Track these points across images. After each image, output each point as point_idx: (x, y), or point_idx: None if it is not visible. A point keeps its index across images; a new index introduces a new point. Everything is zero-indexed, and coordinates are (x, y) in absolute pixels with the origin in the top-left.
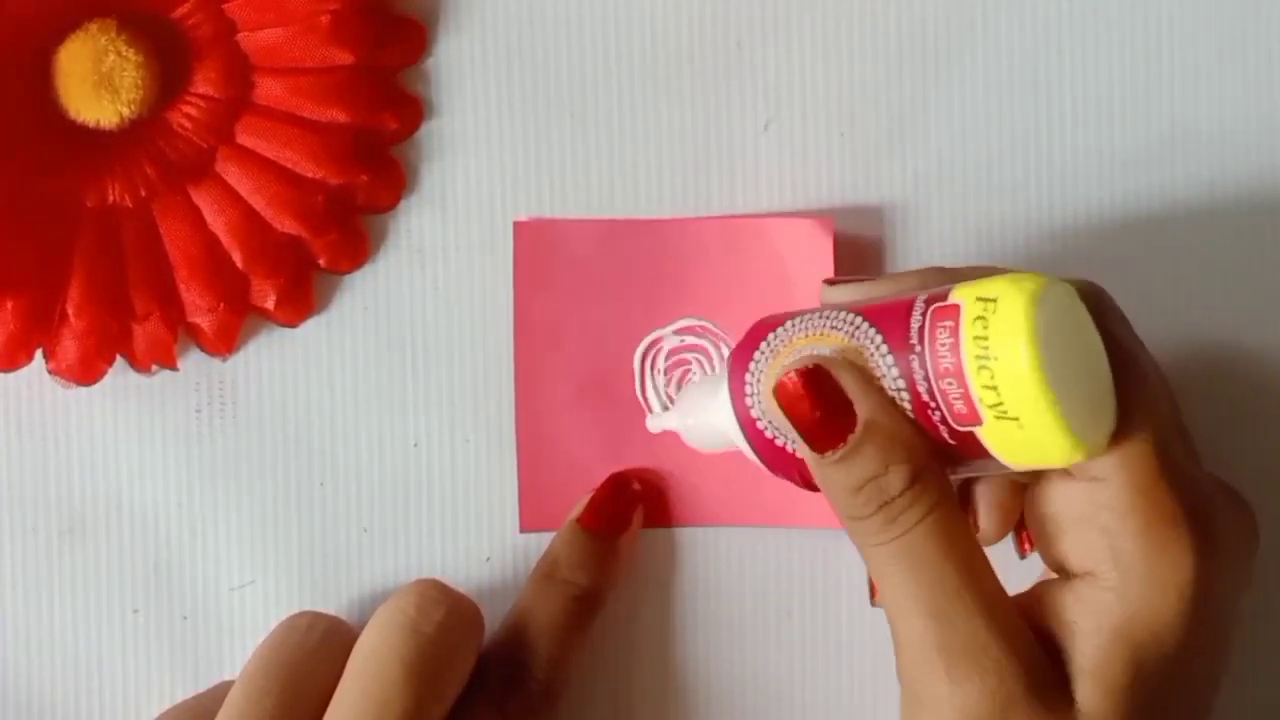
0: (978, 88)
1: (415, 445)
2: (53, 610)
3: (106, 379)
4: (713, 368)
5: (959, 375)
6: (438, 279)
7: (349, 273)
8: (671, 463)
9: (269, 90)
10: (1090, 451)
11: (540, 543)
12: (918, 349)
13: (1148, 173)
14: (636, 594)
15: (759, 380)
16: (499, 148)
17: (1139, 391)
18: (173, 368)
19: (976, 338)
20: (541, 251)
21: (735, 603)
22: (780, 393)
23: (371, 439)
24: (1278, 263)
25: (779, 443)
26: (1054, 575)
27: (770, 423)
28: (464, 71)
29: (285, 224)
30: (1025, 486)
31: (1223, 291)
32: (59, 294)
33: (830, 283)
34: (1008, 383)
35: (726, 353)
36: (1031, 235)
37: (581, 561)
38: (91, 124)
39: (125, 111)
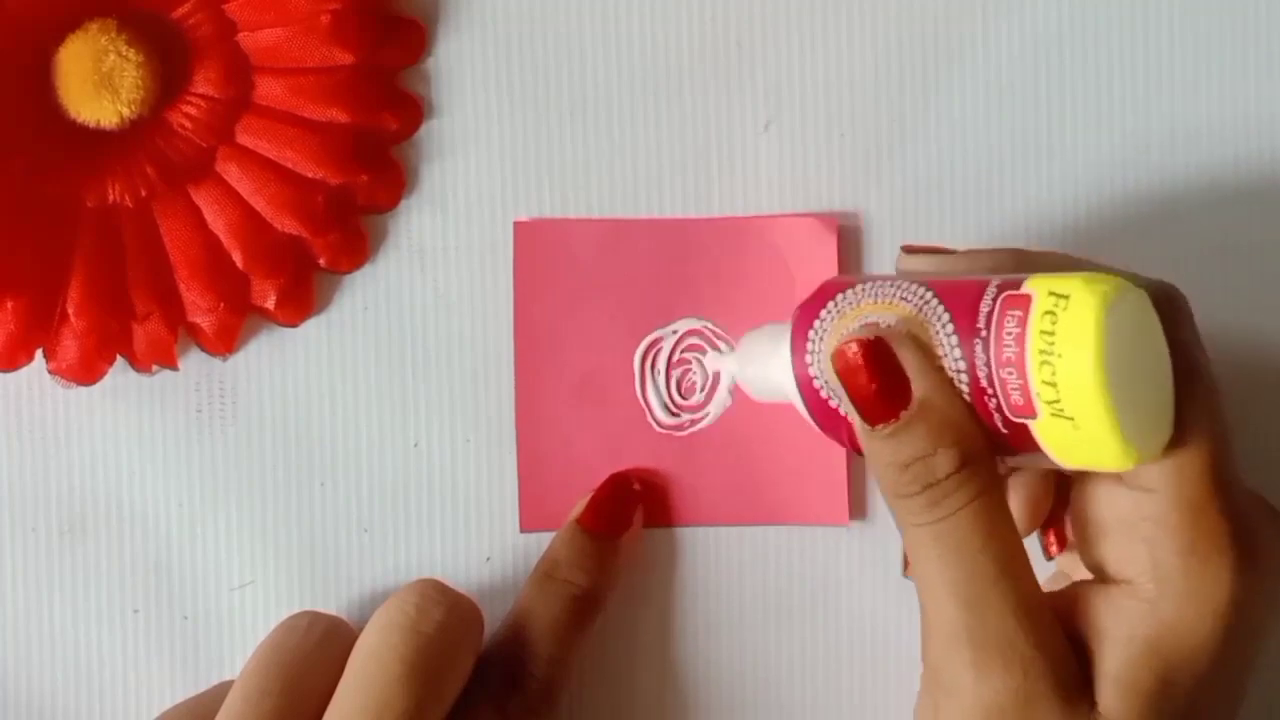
0: (978, 88)
1: (415, 445)
2: (53, 610)
3: (106, 379)
4: (713, 368)
5: (1020, 366)
6: (438, 279)
7: (349, 273)
8: (671, 463)
9: (269, 90)
10: (1143, 460)
11: (540, 543)
12: (983, 334)
13: (1148, 172)
14: (636, 594)
15: (821, 340)
16: (499, 148)
17: (1200, 404)
18: (173, 368)
19: (1043, 332)
20: (541, 251)
21: (735, 603)
22: (838, 360)
23: (371, 439)
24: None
25: (833, 404)
26: (1088, 577)
27: (826, 383)
28: (464, 71)
29: (285, 224)
30: (1063, 483)
31: (1224, 290)
32: (59, 294)
33: (909, 249)
34: (1067, 382)
35: (727, 353)
36: (1032, 235)
37: (581, 562)
38: (91, 124)
39: (125, 111)
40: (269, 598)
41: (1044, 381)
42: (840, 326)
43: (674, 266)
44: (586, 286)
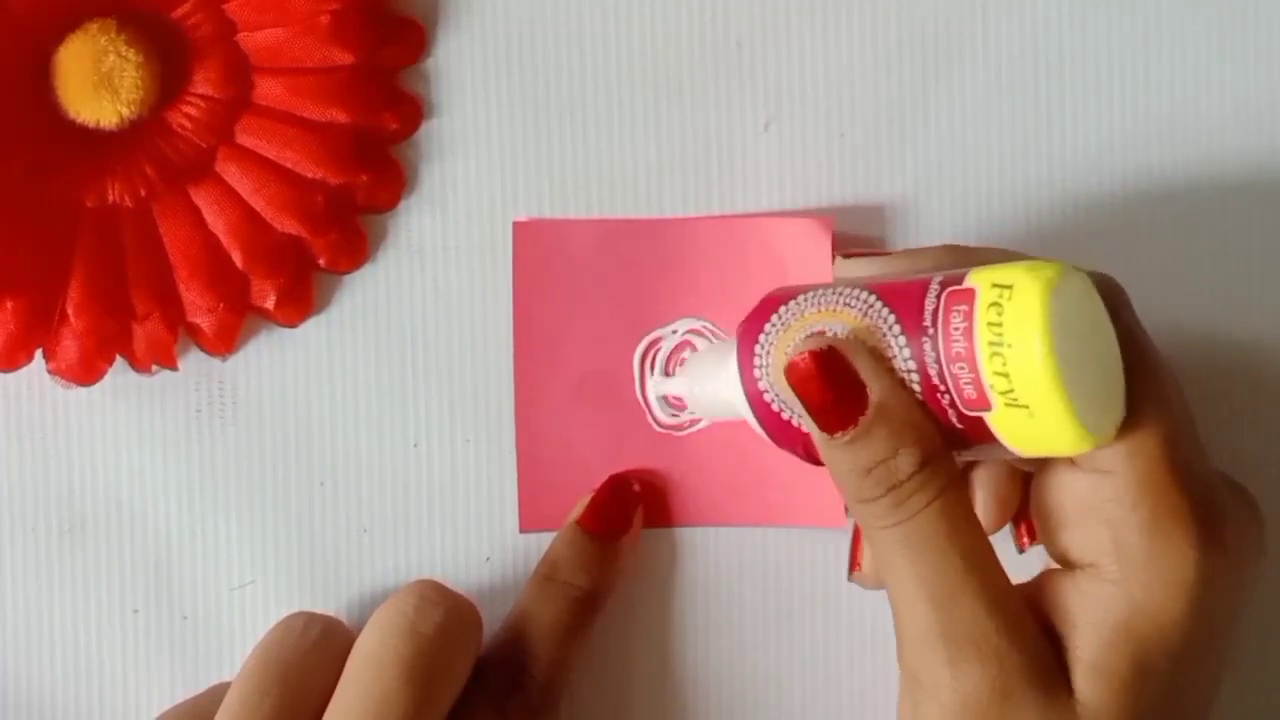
0: (978, 87)
1: (415, 445)
2: (53, 610)
3: (106, 379)
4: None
5: (971, 360)
6: (438, 279)
7: (349, 273)
8: (671, 463)
9: (269, 90)
10: (1098, 442)
11: (540, 543)
12: (930, 331)
13: (1148, 171)
14: (636, 594)
15: (768, 354)
16: (499, 148)
17: (1150, 385)
18: (173, 368)
19: (990, 324)
20: (541, 251)
21: (735, 603)
22: (791, 373)
23: (371, 439)
24: (1275, 255)
25: (785, 416)
26: (1056, 566)
27: (777, 396)
28: (464, 71)
29: (285, 224)
30: (1026, 476)
31: (1225, 288)
32: (59, 294)
33: (846, 255)
34: (1019, 371)
35: None
36: (1032, 234)
37: (581, 563)
38: (91, 124)
39: (125, 111)
40: (269, 598)
41: (995, 373)
42: (786, 339)
43: (674, 266)
44: (586, 286)
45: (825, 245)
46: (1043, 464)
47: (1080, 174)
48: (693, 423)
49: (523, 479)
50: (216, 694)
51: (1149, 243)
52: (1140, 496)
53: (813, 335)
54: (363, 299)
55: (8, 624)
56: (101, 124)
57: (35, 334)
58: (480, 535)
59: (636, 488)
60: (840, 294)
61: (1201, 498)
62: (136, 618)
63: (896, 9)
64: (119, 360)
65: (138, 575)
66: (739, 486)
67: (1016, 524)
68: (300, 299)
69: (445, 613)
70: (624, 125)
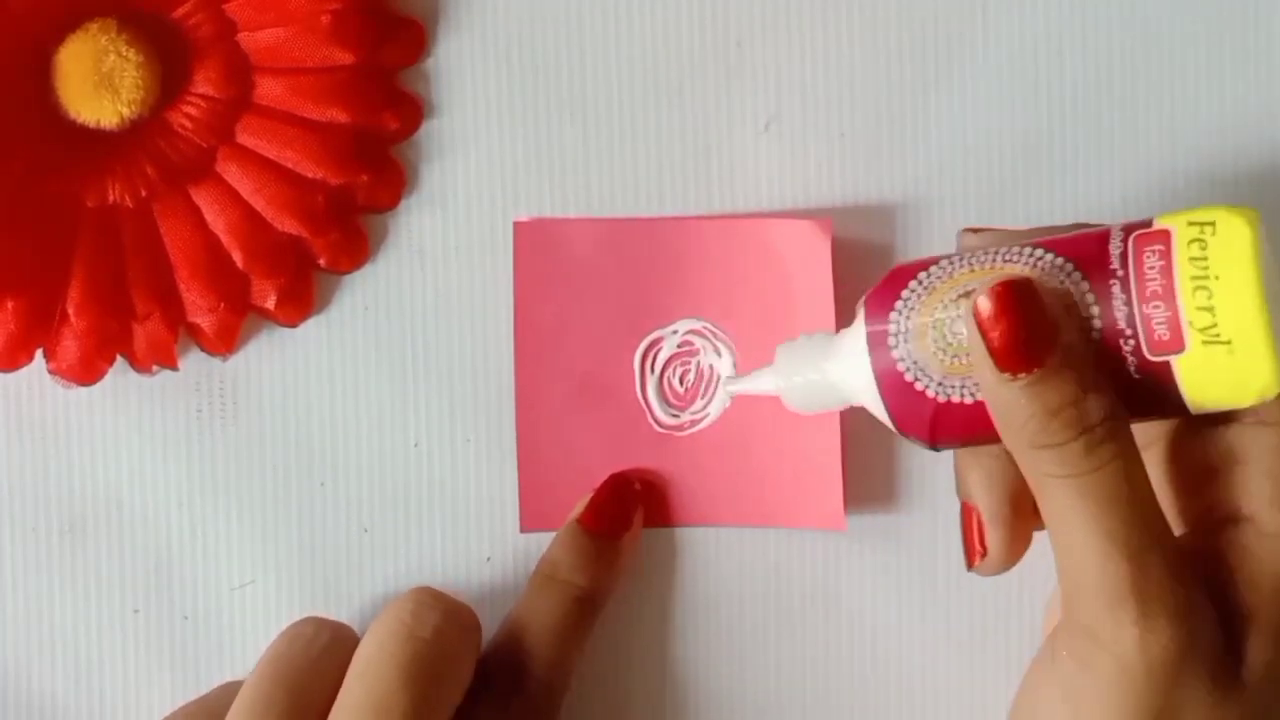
0: (978, 88)
1: (415, 445)
2: (53, 610)
3: (106, 379)
4: (712, 368)
5: (1170, 298)
6: (438, 279)
7: (349, 273)
8: (672, 463)
9: (269, 90)
10: None
11: (540, 543)
12: (1119, 273)
13: (1148, 171)
14: (637, 594)
15: (907, 320)
16: (499, 148)
17: None
18: (173, 368)
19: (1193, 259)
20: (541, 251)
21: (735, 603)
22: (977, 313)
23: (371, 439)
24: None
25: (919, 386)
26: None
27: (914, 364)
28: (464, 71)
29: (285, 224)
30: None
31: None
32: (59, 294)
33: (972, 230)
34: (1227, 303)
35: (726, 353)
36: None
37: (582, 563)
38: (92, 124)
39: (125, 111)
40: (269, 598)
41: (1199, 307)
42: (932, 302)
43: (674, 266)
44: (586, 286)
45: (824, 246)
46: (1188, 424)
47: (1080, 173)
48: (693, 423)
49: (523, 479)
50: (225, 694)
51: None
52: None
53: (964, 300)
54: (363, 299)
55: (8, 624)
56: (102, 124)
57: (35, 334)
58: (480, 535)
59: (637, 487)
60: (999, 253)
61: None
62: (136, 618)
63: (896, 9)
64: (119, 360)
65: (138, 575)
66: (739, 487)
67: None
68: (300, 299)
69: (442, 616)
70: (624, 125)
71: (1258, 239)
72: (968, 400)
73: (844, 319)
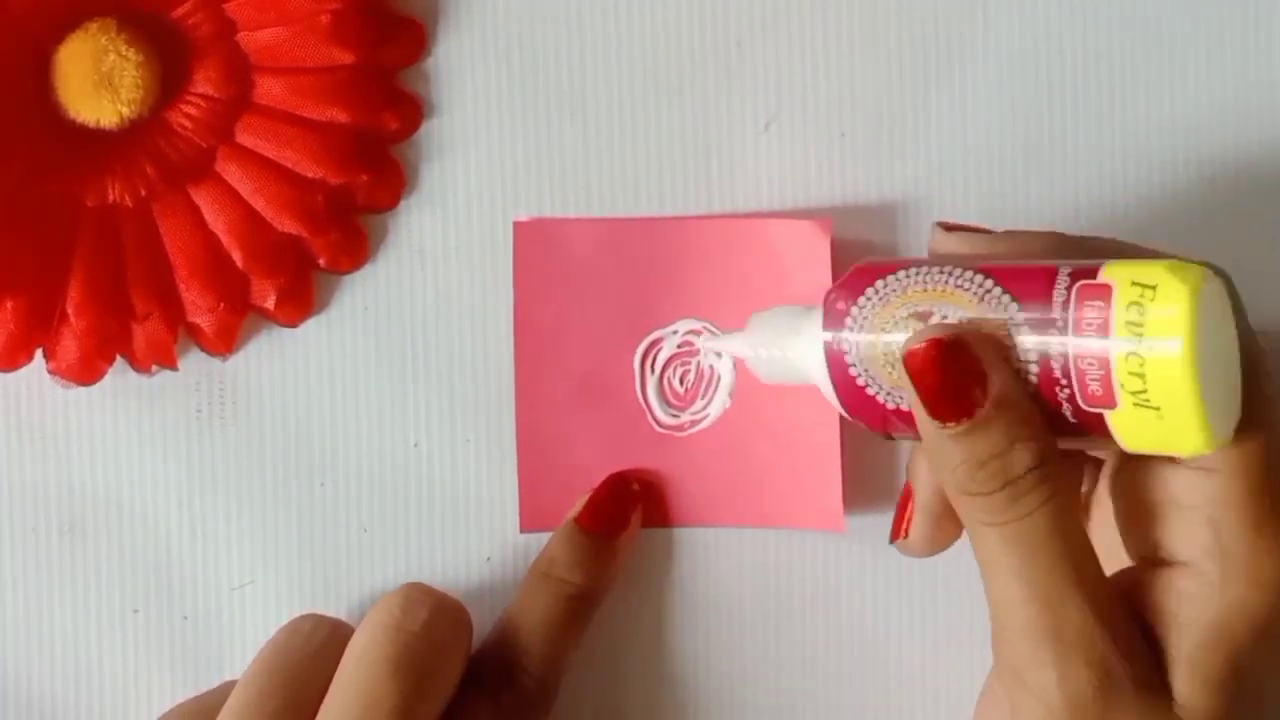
0: (979, 87)
1: (415, 445)
2: (53, 610)
3: (106, 379)
4: (713, 367)
5: (1103, 357)
6: (438, 279)
7: (349, 273)
8: (671, 463)
9: (269, 90)
10: (1220, 445)
11: (540, 543)
12: (1059, 324)
13: (1148, 172)
14: (635, 594)
15: (860, 325)
16: (499, 148)
17: (1261, 385)
18: (173, 368)
19: (1129, 323)
20: (541, 251)
21: (734, 603)
22: (911, 360)
23: (371, 439)
24: (1277, 253)
25: (870, 392)
26: (1126, 563)
27: (865, 371)
28: (464, 71)
29: (285, 224)
30: (1088, 470)
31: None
32: (59, 294)
33: (947, 228)
34: (1156, 375)
35: (726, 353)
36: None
37: (578, 561)
38: (91, 124)
39: (125, 111)
40: (269, 598)
41: (1130, 372)
42: (885, 314)
43: (674, 266)
44: (586, 286)
45: (824, 246)
46: (1133, 458)
47: (1080, 173)
48: (693, 423)
49: (523, 479)
50: (223, 692)
51: (1150, 241)
52: (1246, 499)
53: (917, 313)
54: (363, 299)
55: (8, 624)
56: (101, 124)
57: (35, 334)
58: (480, 535)
59: (635, 487)
60: (951, 274)
61: None
62: (136, 618)
63: (897, 9)
64: (119, 360)
65: (138, 575)
66: (739, 487)
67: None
68: (300, 299)
69: (432, 611)
70: (624, 125)
71: (1196, 305)
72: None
73: None
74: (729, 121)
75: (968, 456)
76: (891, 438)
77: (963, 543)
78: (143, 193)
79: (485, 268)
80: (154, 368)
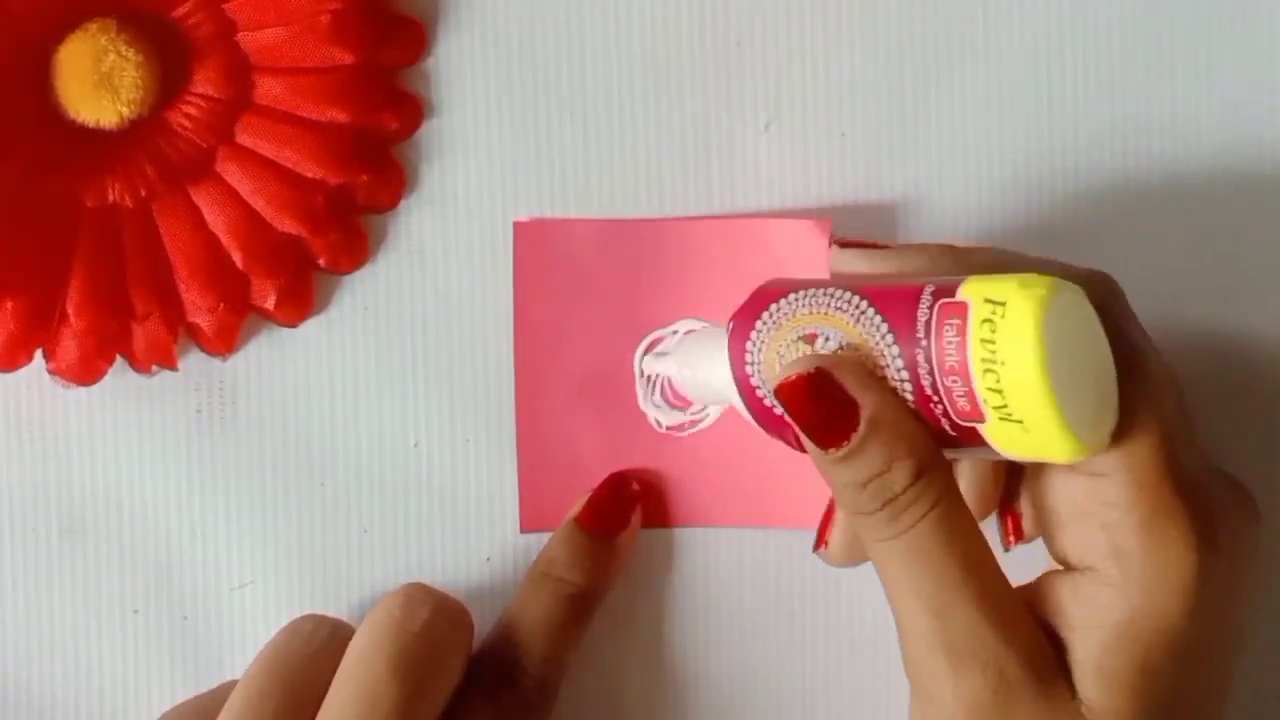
0: (978, 88)
1: (415, 445)
2: (53, 610)
3: (106, 379)
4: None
5: (964, 374)
6: (438, 279)
7: (349, 273)
8: (672, 463)
9: (269, 90)
10: (1092, 451)
11: (540, 543)
12: (923, 343)
13: (1149, 172)
14: (635, 594)
15: (759, 350)
16: (499, 148)
17: (1143, 386)
18: (173, 368)
19: (983, 340)
20: (541, 251)
21: (734, 603)
22: (782, 394)
23: (371, 439)
24: (1277, 253)
25: (778, 412)
26: (1057, 565)
27: (769, 393)
28: (464, 71)
29: (285, 224)
30: (1012, 467)
31: (1225, 285)
32: (59, 294)
33: (841, 244)
34: (1013, 388)
35: None
36: (1032, 233)
37: (577, 560)
38: (91, 124)
39: (125, 111)
40: (269, 598)
41: (989, 388)
42: (779, 338)
43: (674, 266)
44: (586, 286)
45: (824, 247)
46: (1038, 466)
47: (1081, 173)
48: (694, 423)
49: (523, 479)
50: (223, 693)
51: (1150, 241)
52: (1135, 499)
53: (804, 336)
54: (363, 299)
55: (8, 624)
56: (101, 124)
57: (35, 334)
58: (480, 535)
59: (635, 487)
60: (832, 296)
61: (1196, 497)
62: (136, 618)
63: (897, 9)
64: (119, 360)
65: (138, 575)
66: (739, 487)
67: (1003, 520)
68: (300, 299)
69: (432, 610)
70: (624, 125)
71: (1042, 319)
72: None
73: None
74: (729, 121)
75: (850, 479)
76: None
77: None
78: (143, 193)
79: (485, 268)
80: (154, 368)
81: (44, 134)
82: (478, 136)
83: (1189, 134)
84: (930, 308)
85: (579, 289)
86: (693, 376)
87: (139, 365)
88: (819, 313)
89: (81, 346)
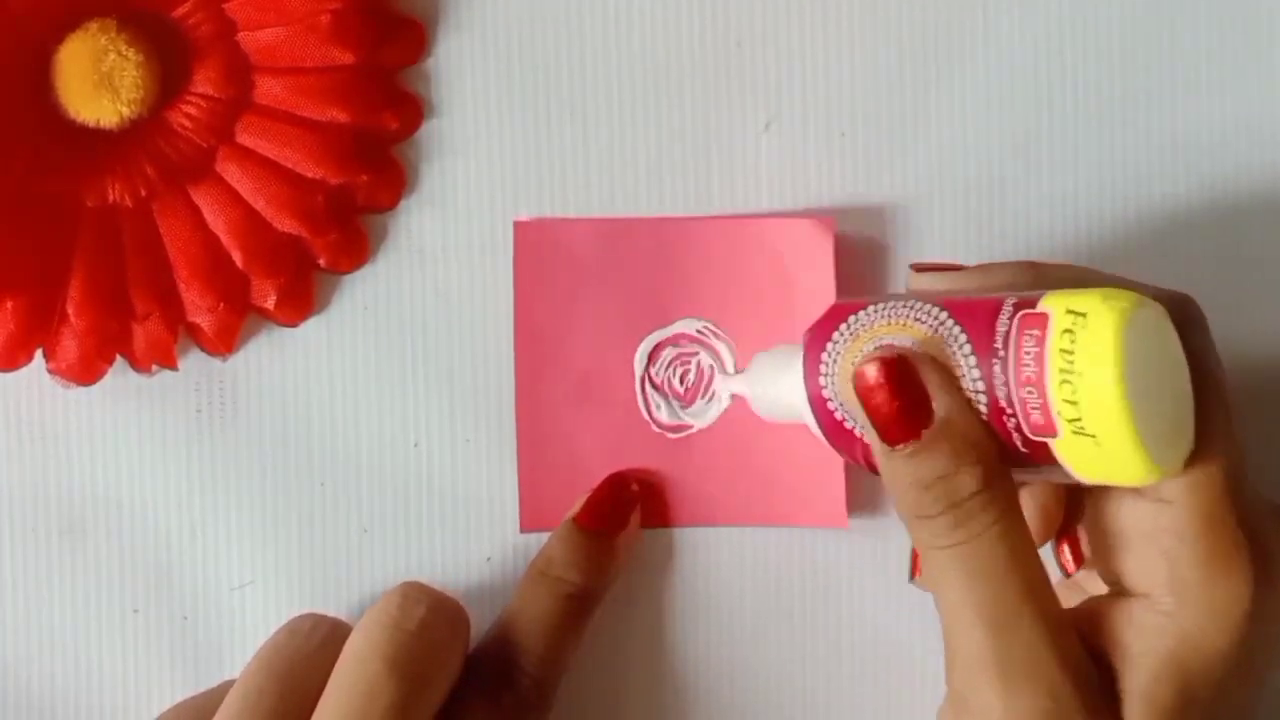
0: (979, 87)
1: (415, 445)
2: (53, 610)
3: (106, 379)
4: (713, 367)
5: (1040, 386)
6: (438, 279)
7: (349, 273)
8: (671, 463)
9: (269, 90)
10: (1164, 475)
11: (540, 543)
12: (1001, 353)
13: (1149, 172)
14: (635, 594)
15: (835, 363)
16: (499, 148)
17: (1216, 416)
18: (173, 368)
19: (1062, 351)
20: (541, 251)
21: (734, 603)
22: (858, 380)
23: (371, 439)
24: (1277, 260)
25: (848, 425)
26: (1104, 590)
27: (841, 405)
28: (464, 71)
29: (285, 224)
30: (1074, 494)
31: (1225, 286)
32: (59, 294)
33: (919, 268)
34: (1089, 401)
35: (727, 352)
36: (1032, 235)
37: (576, 560)
38: (91, 124)
39: (125, 111)
40: (269, 598)
41: (1065, 400)
42: (854, 349)
43: (674, 266)
44: (586, 286)
45: (826, 246)
46: (1103, 487)
47: (1080, 173)
48: (693, 423)
49: (523, 479)
50: (222, 692)
51: (1149, 242)
52: (1201, 530)
53: (882, 346)
54: (363, 299)
55: (8, 624)
56: (101, 124)
57: (35, 334)
58: (480, 535)
59: (634, 487)
60: (911, 307)
61: (1257, 534)
62: (136, 618)
63: (897, 9)
64: (119, 360)
65: (138, 575)
66: (739, 487)
67: (1060, 546)
68: (300, 299)
69: (428, 609)
70: (624, 125)
71: (1123, 332)
72: None
73: None
74: (729, 121)
75: (915, 479)
76: (876, 472)
77: None
78: (143, 193)
79: (485, 268)
80: (154, 368)
81: (44, 134)
82: (478, 136)
83: (1189, 134)
84: (1010, 319)
85: (579, 289)
86: (764, 394)
87: (139, 365)
88: (897, 323)
89: (81, 346)
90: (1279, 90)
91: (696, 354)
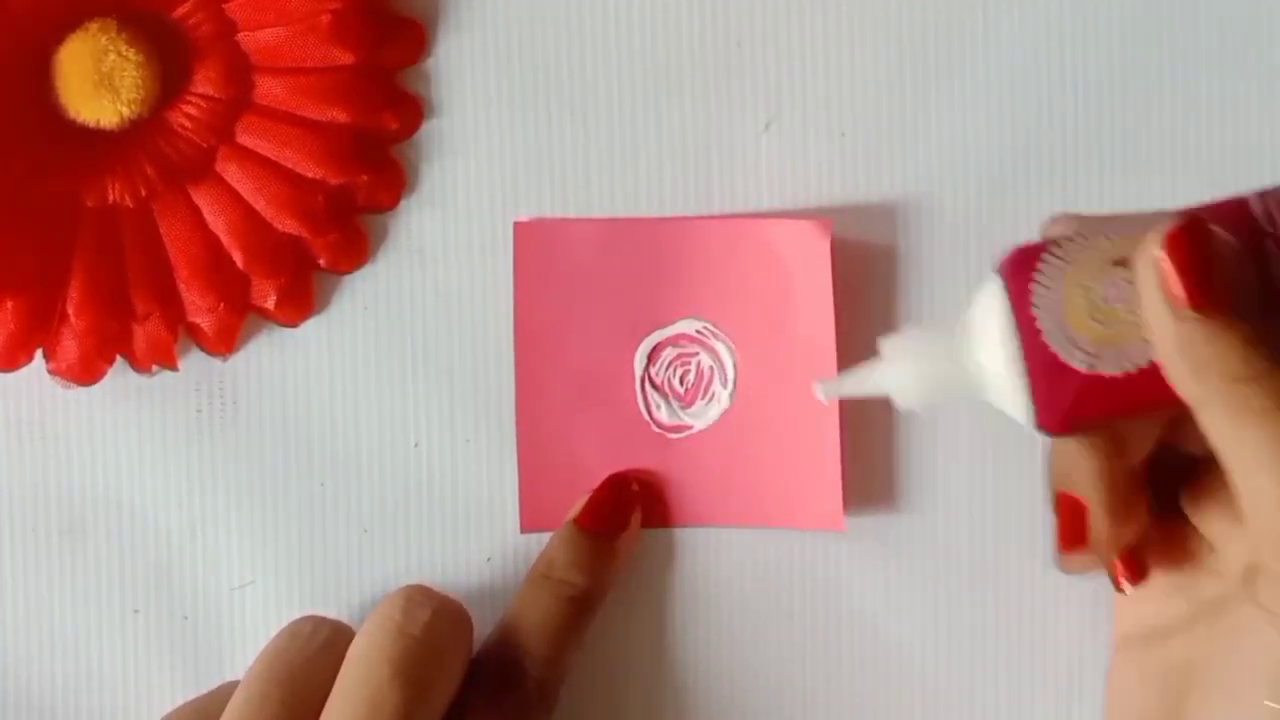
0: (979, 87)
1: (415, 445)
2: (53, 610)
3: (106, 379)
4: (713, 368)
5: None
6: (438, 279)
7: (349, 273)
8: (671, 464)
9: (269, 90)
10: None
11: (540, 543)
12: (1270, 231)
13: (1149, 172)
14: (635, 594)
15: (1052, 291)
16: (499, 148)
17: None
18: (173, 368)
19: None
20: (541, 251)
21: (734, 603)
22: (1162, 253)
23: (371, 439)
24: None
25: (1064, 358)
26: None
27: (1064, 335)
28: (464, 71)
29: (285, 224)
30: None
31: None
32: (59, 294)
33: (1065, 216)
34: None
35: (726, 353)
36: (1033, 235)
37: (577, 561)
38: (91, 124)
39: (125, 111)
40: (269, 598)
41: None
42: (1079, 273)
43: (674, 266)
44: (586, 286)
45: (824, 246)
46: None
47: (1081, 174)
48: (694, 423)
49: (523, 479)
50: (222, 694)
51: None
52: None
53: (1121, 262)
54: (363, 299)
55: (8, 624)
56: (101, 124)
57: (35, 334)
58: (480, 535)
59: (635, 488)
60: (1143, 219)
61: None
62: (136, 618)
63: (897, 9)
64: (119, 360)
65: (138, 575)
66: (738, 488)
67: (1113, 563)
68: (300, 299)
69: (433, 613)
70: (624, 125)
71: None
72: (1118, 373)
73: (843, 320)
74: (729, 121)
75: (1236, 338)
76: (1063, 432)
77: (953, 545)
78: (143, 193)
79: (485, 268)
80: (154, 368)
81: (44, 134)
82: (478, 136)
83: (1190, 134)
84: (1263, 204)
85: (579, 289)
86: (922, 373)
87: (139, 365)
88: (1126, 237)
89: (81, 346)
90: (1279, 91)
91: (696, 354)
